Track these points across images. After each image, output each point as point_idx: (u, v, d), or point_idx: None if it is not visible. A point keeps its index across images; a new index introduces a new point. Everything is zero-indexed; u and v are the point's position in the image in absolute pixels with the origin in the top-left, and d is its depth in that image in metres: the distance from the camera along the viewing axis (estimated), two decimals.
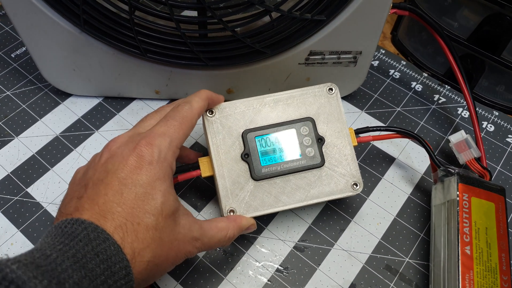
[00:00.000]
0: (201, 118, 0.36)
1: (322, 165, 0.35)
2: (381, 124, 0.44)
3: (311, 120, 0.36)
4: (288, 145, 0.35)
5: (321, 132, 0.36)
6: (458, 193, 0.34)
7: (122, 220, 0.25)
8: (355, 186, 0.35)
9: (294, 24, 0.36)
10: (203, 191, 0.39)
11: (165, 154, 0.29)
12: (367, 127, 0.38)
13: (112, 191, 0.26)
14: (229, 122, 0.36)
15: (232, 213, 0.33)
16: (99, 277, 0.23)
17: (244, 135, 0.35)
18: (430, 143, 0.43)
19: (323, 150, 0.35)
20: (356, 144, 0.36)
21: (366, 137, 0.37)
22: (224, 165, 0.34)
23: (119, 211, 0.26)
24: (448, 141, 0.41)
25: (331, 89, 0.37)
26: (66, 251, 0.23)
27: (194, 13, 0.40)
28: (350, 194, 0.35)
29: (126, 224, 0.25)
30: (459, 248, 0.32)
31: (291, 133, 0.35)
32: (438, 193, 0.37)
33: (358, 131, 0.38)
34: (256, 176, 0.34)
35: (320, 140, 0.35)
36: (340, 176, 0.35)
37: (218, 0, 0.34)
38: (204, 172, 0.35)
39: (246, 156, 0.35)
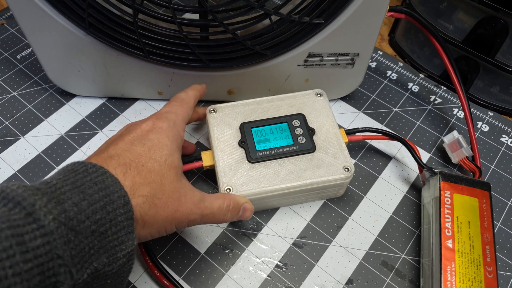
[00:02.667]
0: (206, 117, 0.40)
1: (314, 150, 0.38)
2: (378, 124, 0.45)
3: (302, 115, 0.40)
4: (282, 134, 0.39)
5: (311, 125, 0.39)
6: (440, 191, 0.35)
7: (127, 160, 0.28)
8: (346, 170, 0.36)
9: (293, 27, 0.37)
10: (205, 190, 0.40)
11: (174, 122, 0.33)
12: (357, 128, 0.40)
13: (123, 142, 0.30)
14: (228, 118, 0.40)
15: (229, 191, 0.35)
16: (98, 202, 0.24)
17: (241, 127, 0.39)
18: (426, 143, 0.44)
19: (314, 139, 0.38)
20: (347, 140, 0.39)
21: (356, 135, 0.39)
22: (223, 151, 0.38)
23: (126, 155, 0.28)
24: (443, 141, 0.42)
25: (320, 94, 0.41)
26: (65, 180, 0.24)
27: (196, 16, 0.41)
28: (342, 176, 0.36)
29: (131, 164, 0.28)
30: (441, 242, 0.33)
31: (283, 125, 0.39)
32: (426, 192, 0.38)
33: (348, 132, 0.40)
34: (251, 159, 0.37)
35: (310, 131, 0.39)
36: (331, 161, 0.37)
37: (219, 3, 0.35)
38: (206, 162, 0.38)
39: (243, 143, 0.38)
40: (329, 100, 0.47)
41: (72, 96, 0.46)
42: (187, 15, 0.43)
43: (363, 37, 0.39)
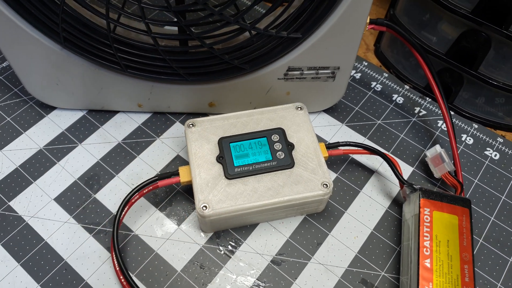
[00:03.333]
0: (184, 131, 0.38)
1: (292, 166, 0.37)
2: (361, 137, 0.45)
3: (281, 129, 0.39)
4: (260, 149, 0.38)
5: (291, 140, 0.38)
6: (420, 208, 0.35)
7: None
8: (325, 186, 0.36)
9: (271, 42, 0.37)
10: (183, 205, 0.40)
11: None
12: (338, 142, 0.40)
13: None
14: (207, 133, 0.39)
15: (205, 209, 0.34)
16: None
17: (220, 141, 0.38)
18: (410, 156, 0.44)
19: (293, 154, 0.38)
20: (327, 155, 0.38)
21: (336, 150, 0.39)
22: (201, 167, 0.37)
23: None
24: (426, 155, 0.42)
25: (300, 107, 0.40)
26: None
27: (175, 29, 0.40)
28: (320, 193, 0.36)
29: None
30: (419, 262, 0.33)
31: (263, 140, 0.38)
32: (407, 208, 0.38)
33: (328, 146, 0.39)
34: (229, 175, 0.36)
35: (290, 146, 0.38)
36: (310, 177, 0.36)
37: (195, 18, 0.34)
38: (183, 178, 0.37)
39: (220, 159, 0.37)
40: (312, 113, 0.46)
41: (52, 108, 0.46)
42: (168, 28, 0.42)
43: (343, 50, 0.38)
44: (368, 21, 0.38)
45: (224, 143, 0.38)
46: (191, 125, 0.39)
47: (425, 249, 0.33)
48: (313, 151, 0.38)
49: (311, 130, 0.39)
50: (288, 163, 0.37)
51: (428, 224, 0.35)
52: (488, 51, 0.41)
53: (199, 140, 0.38)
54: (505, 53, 0.41)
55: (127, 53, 0.38)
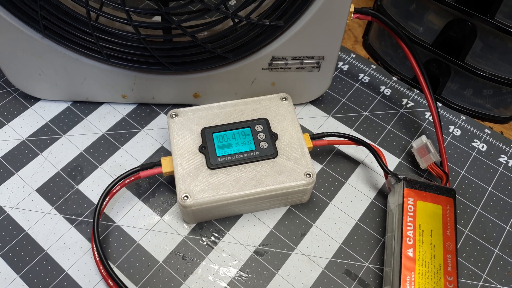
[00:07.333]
0: (166, 121, 0.38)
1: (276, 156, 0.37)
2: (347, 128, 0.44)
3: (265, 119, 0.39)
4: (244, 140, 0.37)
5: (275, 130, 0.38)
6: (403, 198, 0.34)
7: None
8: (308, 176, 0.35)
9: (254, 30, 0.36)
10: (166, 196, 0.40)
11: None
12: (322, 133, 0.39)
13: None
14: (190, 123, 0.39)
15: (186, 199, 0.34)
16: None
17: (203, 132, 0.38)
18: (396, 148, 0.43)
19: (277, 144, 0.37)
20: (311, 146, 0.38)
21: (321, 141, 0.38)
22: (183, 157, 0.36)
23: None
24: (412, 146, 0.41)
25: (285, 98, 0.40)
26: None
27: (159, 18, 0.40)
28: (303, 183, 0.35)
29: None
30: (402, 251, 0.32)
31: (246, 130, 0.38)
32: (391, 199, 0.37)
33: (313, 137, 0.39)
34: (211, 165, 0.36)
35: (273, 136, 0.38)
36: (293, 167, 0.36)
37: (176, 6, 0.34)
38: (165, 168, 0.37)
39: (203, 149, 0.37)
40: (298, 104, 0.46)
41: (36, 100, 0.45)
42: (156, 19, 0.42)
43: (327, 40, 0.38)
44: (352, 10, 0.37)
45: (207, 133, 0.38)
46: (173, 115, 0.39)
47: (408, 238, 0.33)
48: (297, 141, 0.38)
49: (295, 120, 0.39)
50: (271, 153, 0.37)
51: (412, 214, 0.34)
52: (474, 41, 0.40)
53: (182, 130, 0.38)
54: (492, 43, 0.40)
55: (109, 42, 0.37)
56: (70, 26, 0.36)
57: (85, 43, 0.37)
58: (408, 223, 0.34)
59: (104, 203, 0.36)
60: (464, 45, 0.41)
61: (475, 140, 0.44)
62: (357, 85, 0.48)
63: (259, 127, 0.38)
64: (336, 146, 0.43)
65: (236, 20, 0.35)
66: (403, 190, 0.35)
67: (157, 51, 0.37)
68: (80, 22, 0.36)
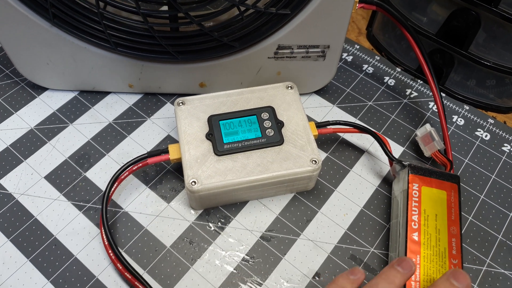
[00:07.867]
0: (173, 110, 0.38)
1: (282, 143, 0.37)
2: (352, 118, 0.45)
3: (271, 107, 0.39)
4: (250, 127, 0.38)
5: (281, 118, 0.39)
6: (408, 183, 0.35)
7: None
8: (314, 162, 0.36)
9: (260, 18, 0.37)
10: (173, 183, 0.40)
11: None
12: (328, 121, 0.40)
13: None
14: (196, 111, 0.39)
15: (194, 184, 0.34)
16: None
17: (209, 119, 0.38)
18: (400, 137, 0.44)
19: (283, 132, 0.38)
20: (317, 133, 0.39)
21: (326, 129, 0.39)
22: (190, 143, 0.37)
23: None
24: (416, 134, 0.42)
25: (290, 87, 0.41)
26: None
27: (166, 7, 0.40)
28: (309, 169, 0.36)
29: None
30: (407, 235, 0.33)
31: (252, 118, 0.39)
32: (396, 185, 0.38)
33: (318, 125, 0.39)
34: (218, 152, 0.36)
35: (279, 124, 0.38)
36: (299, 153, 0.37)
37: None
38: (173, 155, 0.37)
39: (210, 136, 0.37)
40: (303, 94, 0.46)
41: (44, 89, 0.46)
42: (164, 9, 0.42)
43: (333, 29, 0.38)
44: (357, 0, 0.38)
45: (213, 121, 0.38)
46: (180, 104, 0.39)
47: (413, 223, 0.34)
48: (303, 129, 0.38)
49: (301, 108, 0.39)
50: (278, 140, 0.37)
51: (417, 199, 0.35)
52: (478, 30, 0.41)
53: (189, 118, 0.38)
54: (495, 33, 0.41)
55: (117, 30, 0.38)
56: (79, 15, 0.37)
57: (94, 31, 0.38)
58: (413, 208, 0.34)
59: (113, 189, 0.36)
60: (468, 35, 0.41)
61: (479, 130, 0.45)
62: (361, 75, 0.48)
63: (265, 115, 0.39)
64: (341, 135, 0.43)
65: (243, 8, 0.35)
66: (408, 176, 0.36)
67: (164, 39, 0.38)
68: (88, 10, 0.37)
